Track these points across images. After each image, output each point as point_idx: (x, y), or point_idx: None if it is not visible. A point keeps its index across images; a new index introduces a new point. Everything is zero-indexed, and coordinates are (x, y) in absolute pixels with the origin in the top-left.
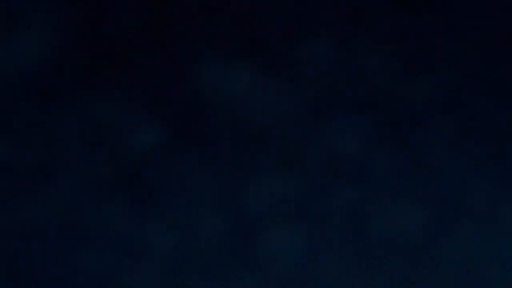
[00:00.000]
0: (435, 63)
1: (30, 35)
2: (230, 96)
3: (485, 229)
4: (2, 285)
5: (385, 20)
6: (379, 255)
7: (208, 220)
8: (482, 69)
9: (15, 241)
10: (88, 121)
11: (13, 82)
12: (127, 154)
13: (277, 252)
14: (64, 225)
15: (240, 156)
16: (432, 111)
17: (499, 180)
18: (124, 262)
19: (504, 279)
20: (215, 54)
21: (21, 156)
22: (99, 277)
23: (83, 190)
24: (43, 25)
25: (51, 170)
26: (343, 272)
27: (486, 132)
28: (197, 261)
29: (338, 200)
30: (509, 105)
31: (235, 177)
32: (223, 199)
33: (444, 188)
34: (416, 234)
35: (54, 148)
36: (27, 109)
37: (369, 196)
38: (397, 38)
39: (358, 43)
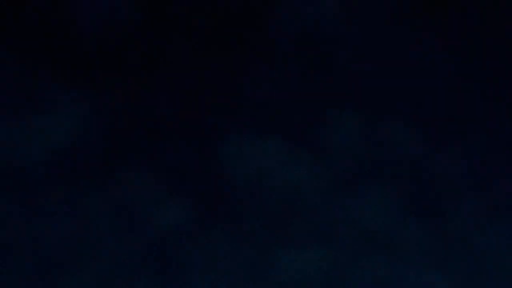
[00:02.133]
0: (462, 135)
1: (62, 115)
2: (257, 171)
3: None
4: None
5: (409, 93)
6: None
7: None
8: (506, 144)
9: None
10: (116, 199)
11: (44, 160)
12: (155, 232)
13: None
14: None
15: (268, 230)
16: (459, 182)
17: None
18: None
19: None
20: (242, 131)
21: (51, 234)
22: None
23: (111, 268)
24: (75, 106)
25: (80, 248)
26: None
27: None
28: None
29: (367, 271)
30: None
31: (263, 252)
32: (251, 274)
33: (473, 260)
34: None
35: (83, 226)
36: (57, 187)
37: (398, 268)
38: (422, 110)
39: (383, 115)
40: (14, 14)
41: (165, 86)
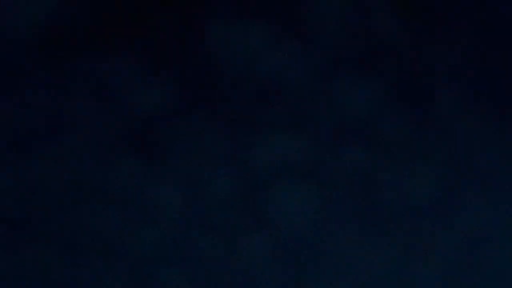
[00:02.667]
0: (447, 26)
1: None
2: (240, 55)
3: (493, 193)
4: (13, 239)
5: None
6: (387, 214)
7: (217, 179)
8: (494, 34)
9: (24, 197)
10: (98, 79)
11: (24, 37)
12: (137, 113)
13: (285, 210)
14: (73, 182)
15: (249, 115)
16: (442, 72)
17: (509, 143)
18: (133, 219)
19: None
20: (226, 14)
21: (29, 114)
22: (108, 234)
23: (92, 149)
24: None
25: (59, 128)
26: (350, 229)
27: (497, 95)
28: (206, 219)
29: (347, 160)
30: None
31: (244, 136)
32: (232, 157)
33: (453, 150)
34: (424, 196)
35: (63, 106)
36: (37, 66)
37: (377, 157)
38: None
39: (371, 3)
40: None
41: None
